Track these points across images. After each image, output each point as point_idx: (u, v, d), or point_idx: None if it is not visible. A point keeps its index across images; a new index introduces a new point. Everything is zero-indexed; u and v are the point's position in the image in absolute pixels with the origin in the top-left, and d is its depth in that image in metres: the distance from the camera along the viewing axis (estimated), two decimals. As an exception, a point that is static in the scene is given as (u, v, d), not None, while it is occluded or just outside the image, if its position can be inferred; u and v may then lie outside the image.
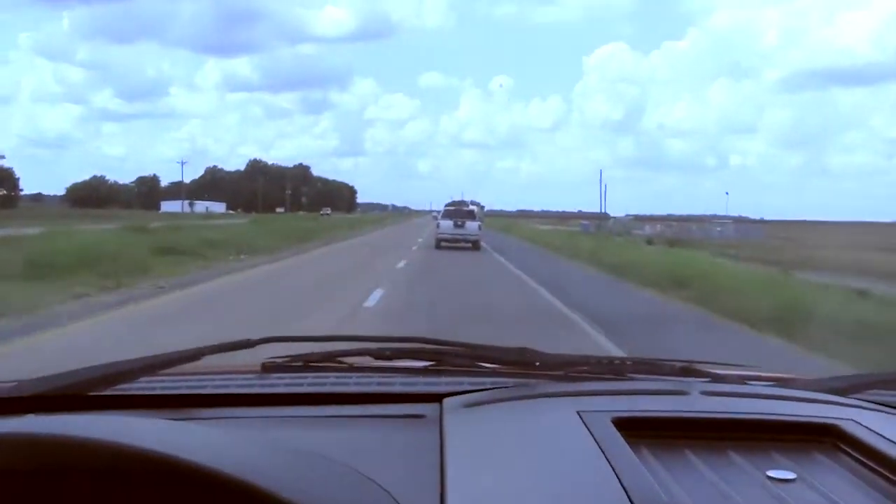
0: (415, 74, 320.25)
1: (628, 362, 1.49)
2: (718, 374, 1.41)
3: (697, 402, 1.20)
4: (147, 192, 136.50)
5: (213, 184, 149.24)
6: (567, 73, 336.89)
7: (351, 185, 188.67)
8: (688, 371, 1.39)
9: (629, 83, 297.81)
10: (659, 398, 1.23)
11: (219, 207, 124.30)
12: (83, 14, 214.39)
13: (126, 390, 1.27)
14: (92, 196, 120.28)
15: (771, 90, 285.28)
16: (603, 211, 66.75)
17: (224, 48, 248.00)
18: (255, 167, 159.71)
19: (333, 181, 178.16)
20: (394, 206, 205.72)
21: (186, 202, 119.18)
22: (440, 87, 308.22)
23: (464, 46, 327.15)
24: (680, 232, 63.13)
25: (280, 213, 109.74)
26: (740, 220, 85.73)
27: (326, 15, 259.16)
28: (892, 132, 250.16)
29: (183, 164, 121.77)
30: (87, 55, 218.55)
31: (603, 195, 64.38)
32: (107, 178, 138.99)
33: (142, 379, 1.31)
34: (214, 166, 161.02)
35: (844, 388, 1.33)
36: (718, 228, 66.37)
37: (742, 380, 1.44)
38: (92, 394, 1.23)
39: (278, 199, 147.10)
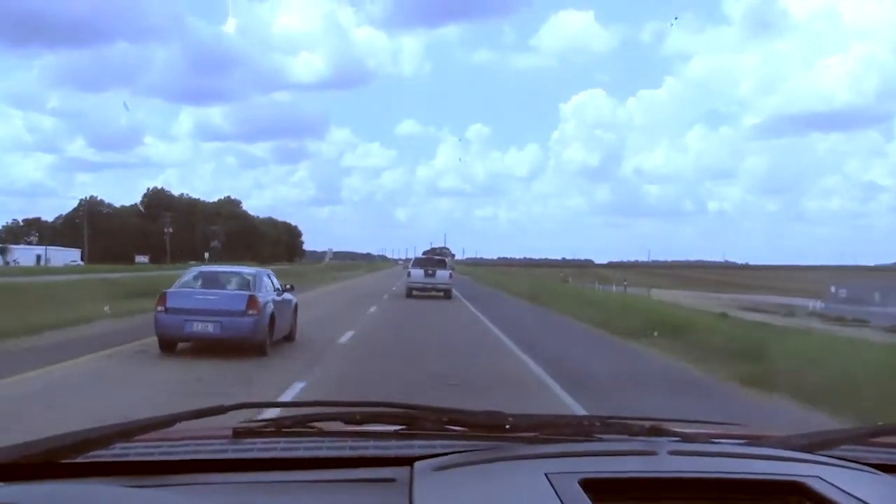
0: (391, 123, 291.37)
1: (597, 423, 1.46)
2: (687, 433, 1.40)
3: (665, 462, 1.19)
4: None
5: (89, 223, 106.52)
6: (544, 120, 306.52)
7: (294, 225, 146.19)
8: (656, 430, 1.36)
9: (606, 129, 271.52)
10: (627, 458, 1.23)
11: (66, 256, 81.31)
12: (53, 62, 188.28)
13: (100, 457, 1.25)
14: None
15: (747, 136, 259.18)
16: None
17: (198, 96, 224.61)
18: (155, 200, 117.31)
19: (267, 219, 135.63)
20: (322, 250, 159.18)
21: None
22: (417, 135, 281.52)
23: (440, 94, 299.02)
24: None
25: (142, 264, 68.21)
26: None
27: (301, 62, 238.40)
28: (867, 176, 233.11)
29: None
30: (58, 103, 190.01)
31: None
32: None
33: (116, 445, 1.29)
34: (93, 197, 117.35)
35: (812, 445, 1.33)
36: None
37: (710, 438, 1.43)
38: (65, 461, 1.21)
39: (184, 241, 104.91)
